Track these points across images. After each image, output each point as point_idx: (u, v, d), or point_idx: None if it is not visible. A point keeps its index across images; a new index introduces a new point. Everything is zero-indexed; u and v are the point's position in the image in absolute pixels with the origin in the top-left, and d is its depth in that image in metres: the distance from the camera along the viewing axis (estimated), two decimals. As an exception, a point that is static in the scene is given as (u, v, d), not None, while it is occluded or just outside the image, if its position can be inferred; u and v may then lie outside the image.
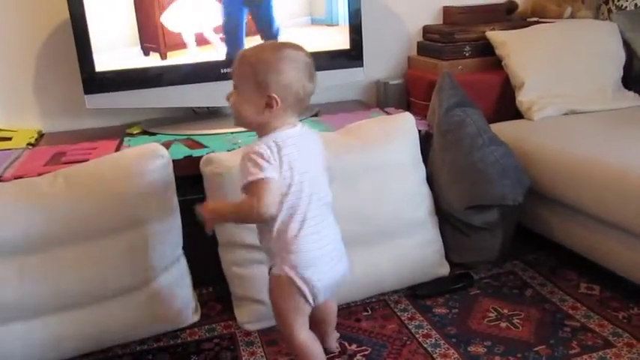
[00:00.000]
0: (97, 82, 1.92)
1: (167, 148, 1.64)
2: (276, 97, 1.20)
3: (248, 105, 1.23)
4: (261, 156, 1.20)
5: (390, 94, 2.35)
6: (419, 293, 1.75)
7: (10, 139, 2.01)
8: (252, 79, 1.20)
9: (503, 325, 1.59)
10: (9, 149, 1.90)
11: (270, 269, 1.32)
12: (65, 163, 1.68)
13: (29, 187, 1.45)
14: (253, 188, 1.19)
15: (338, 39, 2.14)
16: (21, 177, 1.58)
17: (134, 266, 1.51)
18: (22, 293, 1.42)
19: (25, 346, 1.44)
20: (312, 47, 2.12)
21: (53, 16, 2.07)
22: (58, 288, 1.43)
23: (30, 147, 1.96)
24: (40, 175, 1.55)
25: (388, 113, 2.09)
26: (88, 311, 1.48)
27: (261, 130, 1.26)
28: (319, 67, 2.08)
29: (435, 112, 1.91)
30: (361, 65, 2.17)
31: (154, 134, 2.00)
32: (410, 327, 1.60)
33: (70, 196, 1.43)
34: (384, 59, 2.47)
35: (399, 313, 1.67)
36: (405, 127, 1.78)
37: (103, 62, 1.91)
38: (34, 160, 1.76)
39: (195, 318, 1.66)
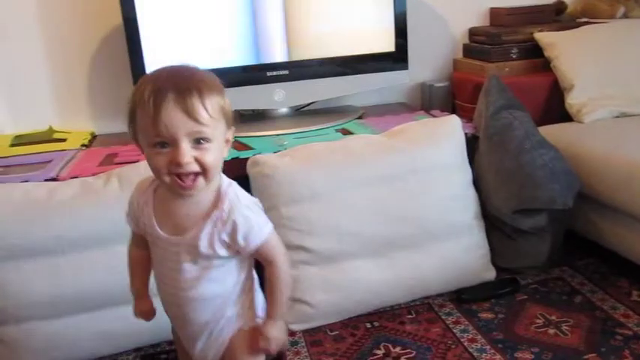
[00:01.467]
0: (147, 85, 1.97)
1: (215, 149, 1.67)
2: (234, 128, 1.01)
3: (218, 152, 0.96)
4: (258, 204, 1.03)
5: (435, 97, 2.34)
6: (464, 297, 1.73)
7: (64, 140, 2.09)
8: (222, 112, 0.95)
9: (551, 331, 1.56)
10: (64, 150, 1.97)
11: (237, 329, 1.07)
12: (117, 164, 1.74)
13: (84, 187, 1.51)
14: (273, 241, 1.03)
15: (383, 42, 2.14)
16: (76, 177, 1.64)
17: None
18: (79, 288, 1.47)
19: (81, 339, 1.50)
20: (357, 50, 2.18)
21: (107, 21, 2.14)
22: (109, 284, 1.48)
23: (84, 148, 2.03)
24: (94, 175, 1.60)
25: (433, 116, 2.09)
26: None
27: (215, 175, 0.98)
28: (365, 70, 2.13)
29: (482, 114, 1.89)
30: (406, 68, 2.16)
31: (201, 136, 2.04)
32: (455, 331, 1.59)
33: (124, 195, 1.47)
34: (429, 62, 2.46)
35: (443, 317, 1.66)
36: (451, 129, 1.77)
37: (154, 66, 1.96)
38: (88, 161, 1.83)
39: (241, 317, 1.68)
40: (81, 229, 1.46)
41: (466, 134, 1.82)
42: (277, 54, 2.06)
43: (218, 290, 1.03)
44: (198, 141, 0.92)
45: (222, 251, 0.99)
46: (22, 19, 2.14)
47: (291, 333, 1.62)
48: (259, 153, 1.70)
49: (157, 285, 1.08)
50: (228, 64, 2.03)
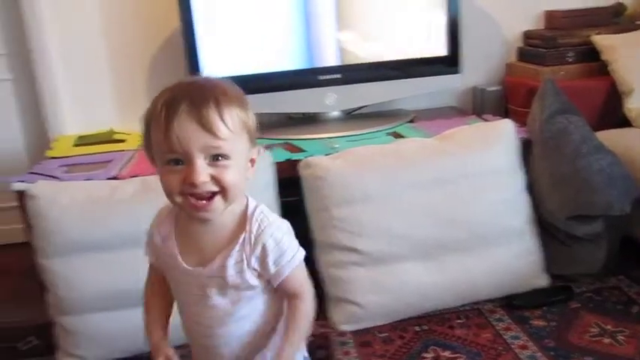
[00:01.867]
0: (203, 88, 2.03)
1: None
2: (260, 147, 0.94)
3: (240, 171, 0.87)
4: (289, 227, 0.94)
5: (488, 101, 2.32)
6: (515, 303, 1.71)
7: (124, 140, 2.17)
8: (245, 129, 0.86)
9: (606, 341, 1.53)
10: (123, 150, 2.05)
11: None
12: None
13: (144, 185, 1.57)
14: (304, 271, 0.94)
15: (435, 45, 2.14)
16: (136, 176, 1.71)
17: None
18: (137, 282, 1.53)
19: (139, 332, 1.55)
20: (409, 54, 2.18)
21: (166, 25, 2.21)
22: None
23: (142, 148, 2.10)
24: (152, 174, 1.66)
25: (486, 120, 2.07)
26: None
27: (237, 196, 0.89)
28: (416, 74, 2.14)
29: (536, 119, 1.87)
30: (459, 72, 2.16)
31: (254, 138, 2.09)
32: (505, 337, 1.57)
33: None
34: (482, 65, 2.43)
35: (493, 323, 1.64)
36: (504, 133, 1.75)
37: (209, 69, 2.03)
38: (147, 161, 1.89)
39: (291, 316, 1.71)
40: (140, 226, 1.51)
41: (520, 138, 1.80)
42: (329, 58, 2.09)
43: (250, 327, 0.93)
44: (215, 157, 0.82)
45: (252, 280, 0.90)
46: (86, 26, 2.24)
47: (341, 333, 1.64)
48: (311, 155, 1.73)
49: (182, 321, 0.99)
50: (281, 68, 2.07)
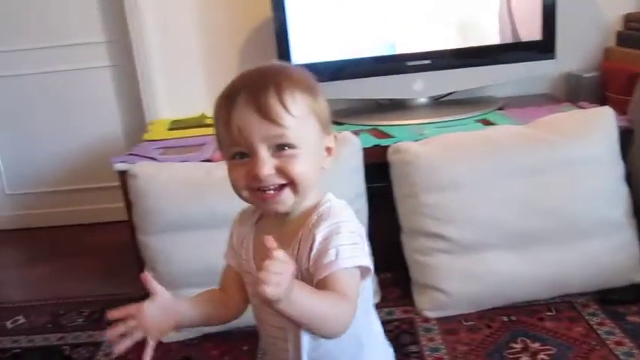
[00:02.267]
0: (292, 74, 2.07)
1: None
2: (336, 133, 0.87)
3: (311, 161, 0.79)
4: (359, 231, 0.80)
5: (583, 88, 2.21)
6: (610, 298, 1.64)
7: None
8: (314, 114, 0.80)
9: None
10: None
11: None
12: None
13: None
14: (352, 281, 0.77)
15: (529, 29, 2.07)
16: (229, 158, 1.77)
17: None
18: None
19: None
20: (500, 39, 2.12)
21: (257, 12, 2.27)
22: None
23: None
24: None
25: (581, 108, 1.98)
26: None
27: (310, 188, 0.80)
28: (508, 60, 2.07)
29: (639, 106, 1.77)
30: (553, 57, 2.08)
31: (340, 124, 2.11)
32: (599, 332, 1.52)
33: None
34: (577, 50, 2.32)
35: (586, 317, 1.59)
36: (603, 121, 1.68)
37: (299, 55, 2.06)
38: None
39: (376, 300, 1.73)
40: (234, 207, 1.57)
41: (619, 127, 1.72)
42: (418, 43, 2.07)
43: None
44: (280, 147, 0.76)
45: (306, 281, 0.77)
46: (181, 15, 2.34)
47: (425, 319, 1.64)
48: (400, 141, 1.72)
49: (260, 335, 0.92)
50: (370, 54, 2.07)
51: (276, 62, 0.85)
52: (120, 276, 2.08)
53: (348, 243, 0.77)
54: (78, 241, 2.54)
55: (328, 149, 0.83)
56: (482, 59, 2.07)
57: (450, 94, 2.21)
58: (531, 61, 2.08)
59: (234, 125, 0.75)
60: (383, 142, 1.80)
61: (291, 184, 0.77)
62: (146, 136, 2.17)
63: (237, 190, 0.79)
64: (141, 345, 0.80)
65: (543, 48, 2.07)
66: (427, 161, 1.58)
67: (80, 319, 1.85)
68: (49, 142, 2.62)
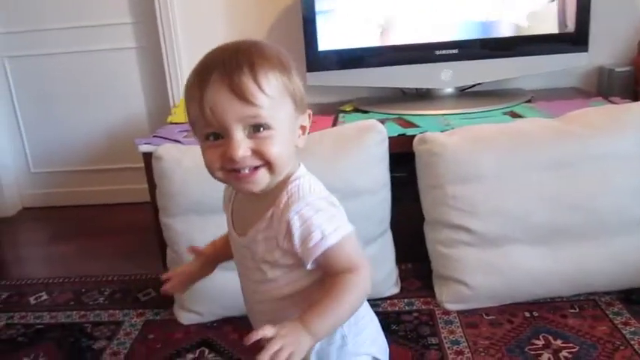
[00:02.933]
0: (319, 61, 2.05)
1: (382, 125, 1.70)
2: (310, 111, 0.86)
3: (286, 141, 0.79)
4: (330, 202, 0.82)
5: (615, 83, 2.17)
6: (635, 298, 1.62)
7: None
8: (288, 93, 0.79)
9: None
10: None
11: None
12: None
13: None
14: (347, 248, 0.80)
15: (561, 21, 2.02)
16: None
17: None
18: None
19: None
20: (531, 30, 2.07)
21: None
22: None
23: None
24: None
25: (613, 103, 1.94)
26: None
27: (285, 168, 0.81)
28: (538, 51, 2.03)
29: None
30: (586, 50, 2.03)
31: (365, 112, 2.09)
32: (624, 332, 1.49)
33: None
34: (610, 43, 2.27)
35: (611, 316, 1.56)
36: (635, 117, 1.63)
37: (326, 42, 2.04)
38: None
39: (395, 290, 1.72)
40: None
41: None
42: (446, 32, 2.04)
43: (293, 310, 0.81)
44: (255, 128, 0.75)
45: (282, 259, 0.82)
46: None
47: (446, 312, 1.62)
48: (426, 131, 1.70)
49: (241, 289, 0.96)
50: (397, 41, 2.05)
51: (248, 40, 0.81)
52: (141, 256, 2.10)
53: (326, 218, 0.79)
54: (101, 220, 2.57)
55: (302, 128, 0.83)
56: (512, 50, 2.04)
57: (477, 85, 2.18)
58: (563, 53, 2.03)
59: (207, 105, 0.74)
60: (409, 131, 1.78)
61: (267, 164, 0.77)
62: (170, 119, 2.17)
63: (211, 171, 0.79)
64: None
65: (576, 40, 2.03)
66: (454, 152, 1.56)
67: (101, 298, 1.87)
68: (74, 121, 2.64)
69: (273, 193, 0.81)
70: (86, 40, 2.50)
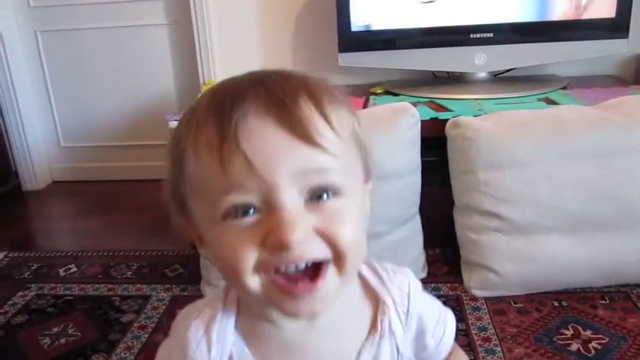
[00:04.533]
0: (351, 42, 2.03)
1: (414, 108, 1.68)
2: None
3: (361, 219, 0.53)
4: (409, 274, 0.68)
5: (655, 71, 2.11)
6: (668, 291, 1.58)
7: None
8: (359, 144, 0.54)
9: None
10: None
11: None
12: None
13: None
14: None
15: (601, 5, 1.97)
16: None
17: (373, 217, 1.60)
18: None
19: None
20: (569, 14, 2.01)
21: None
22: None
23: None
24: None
25: (652, 91, 1.89)
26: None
27: (358, 266, 0.59)
28: (575, 37, 1.98)
29: None
30: (626, 37, 1.97)
31: (396, 94, 2.07)
32: (656, 325, 1.47)
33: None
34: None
35: (642, 309, 1.54)
36: (677, 107, 1.59)
37: (359, 22, 2.02)
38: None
39: (422, 275, 1.71)
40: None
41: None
42: (482, 15, 1.99)
43: None
44: (319, 193, 0.48)
45: None
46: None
47: (473, 298, 1.61)
48: (459, 115, 1.68)
49: None
50: (432, 23, 2.01)
51: (287, 70, 0.54)
52: (168, 233, 2.09)
53: (430, 297, 0.67)
54: (129, 196, 2.59)
55: (369, 192, 0.57)
56: (549, 35, 1.99)
57: (511, 70, 2.14)
58: (602, 39, 1.98)
59: (235, 152, 0.46)
60: (441, 115, 1.76)
61: (337, 258, 0.48)
62: (201, 96, 2.17)
63: (239, 272, 0.48)
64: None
65: (616, 26, 1.97)
66: (488, 137, 1.53)
67: (129, 272, 1.89)
68: (104, 97, 2.66)
69: (359, 306, 0.57)
70: (118, 15, 2.51)
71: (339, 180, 0.49)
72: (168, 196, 0.56)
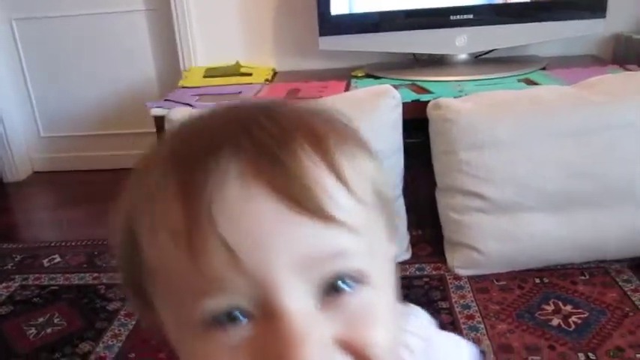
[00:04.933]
0: (331, 25, 2.02)
1: (396, 90, 1.69)
2: None
3: (392, 311, 0.37)
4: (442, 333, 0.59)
5: (633, 51, 2.13)
6: (646, 266, 1.62)
7: (250, 74, 2.23)
8: (381, 201, 0.38)
9: None
10: (251, 84, 2.11)
11: None
12: (301, 99, 1.83)
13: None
14: None
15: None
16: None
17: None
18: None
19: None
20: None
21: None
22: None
23: (267, 83, 2.15)
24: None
25: (629, 71, 1.92)
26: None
27: None
28: (554, 17, 2.00)
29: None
30: (603, 16, 1.99)
31: (378, 77, 2.07)
32: (633, 299, 1.50)
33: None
34: (628, 10, 2.22)
35: (621, 283, 1.57)
36: (654, 84, 1.62)
37: (339, 5, 2.01)
38: (274, 94, 1.94)
39: (407, 256, 1.73)
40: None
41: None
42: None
43: None
44: (336, 286, 0.34)
45: None
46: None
47: (456, 277, 1.63)
48: (440, 97, 1.69)
49: None
50: (411, 5, 2.01)
51: (272, 98, 0.38)
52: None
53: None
54: (111, 185, 2.52)
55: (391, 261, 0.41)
56: (528, 16, 2.00)
57: (492, 51, 2.15)
58: (580, 19, 2.00)
59: (216, 240, 0.32)
60: (422, 97, 1.77)
61: None
62: (182, 83, 2.16)
63: None
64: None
65: (593, 6, 1.99)
66: (468, 118, 1.55)
67: (114, 261, 1.88)
68: (84, 86, 2.63)
69: None
70: (95, 2, 2.47)
71: (363, 263, 0.34)
72: (119, 275, 0.40)
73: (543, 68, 2.07)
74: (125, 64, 2.56)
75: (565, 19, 2.00)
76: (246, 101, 0.39)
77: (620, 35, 2.19)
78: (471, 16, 1.99)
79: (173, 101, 1.90)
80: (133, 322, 1.53)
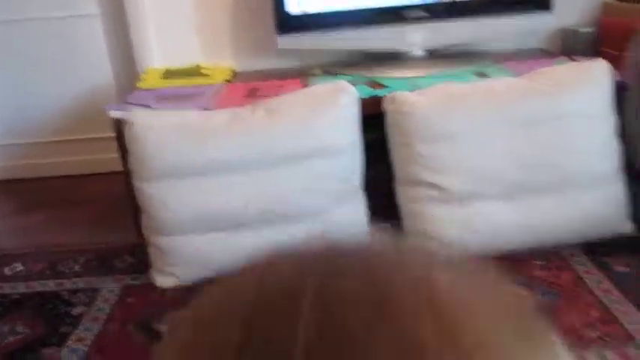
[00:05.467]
0: (289, 24, 2.04)
1: (353, 86, 1.72)
2: None
3: None
4: None
5: (579, 43, 2.21)
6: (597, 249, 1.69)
7: (209, 75, 2.23)
8: None
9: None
10: (210, 84, 2.12)
11: None
12: (261, 97, 1.84)
13: (235, 116, 1.62)
14: None
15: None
16: (225, 107, 1.77)
17: (315, 192, 1.63)
18: (223, 208, 1.61)
19: (223, 255, 1.64)
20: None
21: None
22: (250, 205, 1.60)
23: (226, 83, 2.16)
24: (241, 106, 1.72)
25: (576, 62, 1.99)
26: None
27: None
28: (504, 13, 2.06)
29: (637, 61, 1.78)
30: (548, 9, 2.06)
31: (335, 75, 2.10)
32: (587, 281, 1.57)
33: (269, 124, 1.58)
34: (573, 4, 2.31)
35: (575, 266, 1.63)
36: (598, 75, 1.69)
37: (294, 5, 2.04)
38: (234, 94, 1.95)
39: (369, 249, 1.76)
40: (229, 154, 1.59)
41: (615, 83, 1.73)
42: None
43: None
44: None
45: None
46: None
47: (418, 268, 1.67)
48: (396, 91, 1.73)
49: None
50: (366, 5, 2.05)
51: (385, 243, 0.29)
52: (114, 225, 2.09)
53: None
54: (71, 191, 2.54)
55: None
56: (478, 12, 2.06)
57: (446, 47, 2.20)
58: (527, 14, 2.07)
59: None
60: (379, 92, 1.80)
61: None
62: (140, 85, 2.15)
63: None
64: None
65: (540, 1, 2.06)
66: (423, 111, 1.59)
67: (77, 266, 1.86)
68: (39, 91, 2.58)
69: None
70: (49, 6, 2.44)
71: None
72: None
73: (496, 62, 2.13)
74: (81, 69, 2.53)
75: (514, 14, 2.06)
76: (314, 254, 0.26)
77: (568, 29, 2.27)
78: (424, 13, 2.03)
79: (132, 104, 1.89)
80: (99, 327, 1.52)
